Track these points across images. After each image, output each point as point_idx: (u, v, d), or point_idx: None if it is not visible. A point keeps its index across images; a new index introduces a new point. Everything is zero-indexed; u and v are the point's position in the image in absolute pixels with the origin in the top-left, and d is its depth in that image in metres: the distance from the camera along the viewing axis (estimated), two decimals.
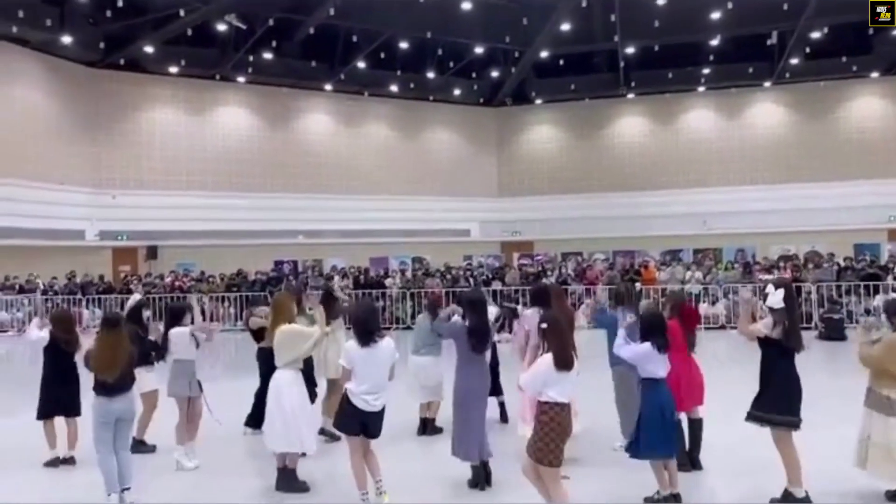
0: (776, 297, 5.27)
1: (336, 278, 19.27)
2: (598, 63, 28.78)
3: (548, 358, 4.79)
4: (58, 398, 6.86)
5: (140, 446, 6.94)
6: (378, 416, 5.39)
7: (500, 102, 30.89)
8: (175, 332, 6.75)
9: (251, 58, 25.33)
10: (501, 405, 8.01)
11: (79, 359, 6.54)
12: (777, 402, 5.25)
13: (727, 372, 9.70)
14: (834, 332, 14.46)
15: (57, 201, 22.55)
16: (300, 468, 6.01)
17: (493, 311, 7.14)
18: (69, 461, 6.81)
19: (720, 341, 14.82)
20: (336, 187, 27.79)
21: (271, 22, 23.97)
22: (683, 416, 5.99)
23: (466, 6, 23.22)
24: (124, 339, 5.79)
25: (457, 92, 29.32)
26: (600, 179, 29.57)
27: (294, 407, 5.84)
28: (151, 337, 7.27)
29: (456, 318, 6.86)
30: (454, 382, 6.06)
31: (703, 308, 16.92)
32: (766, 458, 5.47)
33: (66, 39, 22.20)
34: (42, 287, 20.87)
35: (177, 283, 20.90)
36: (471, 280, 20.00)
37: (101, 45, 23.79)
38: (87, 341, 6.42)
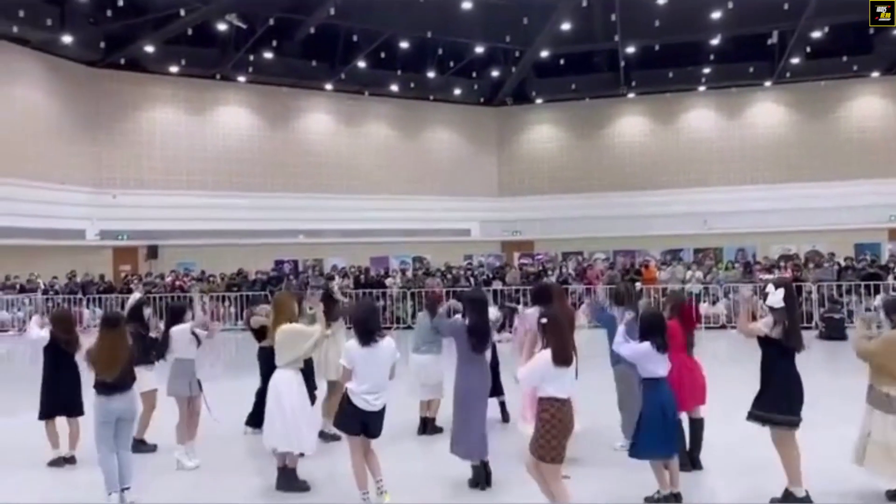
0: (776, 297, 5.27)
1: (335, 280, 19.23)
2: (598, 63, 28.76)
3: (546, 353, 4.79)
4: (59, 398, 6.85)
5: (140, 446, 6.94)
6: (378, 416, 5.39)
7: (501, 102, 30.89)
8: (176, 329, 6.75)
9: (251, 57, 25.33)
10: (502, 404, 8.01)
11: (79, 358, 6.54)
12: (778, 402, 5.25)
13: (727, 371, 9.71)
14: (834, 331, 14.45)
15: (57, 201, 22.56)
16: (300, 468, 6.01)
17: (494, 312, 7.15)
18: (70, 461, 6.81)
19: (720, 341, 14.82)
20: (336, 187, 27.79)
21: (272, 21, 23.96)
22: (684, 416, 5.98)
23: (467, 6, 23.20)
24: (124, 339, 5.80)
25: (457, 91, 29.31)
26: (601, 179, 29.57)
27: (294, 406, 5.84)
28: (153, 334, 7.27)
29: (457, 317, 6.86)
30: (454, 382, 6.06)
31: (704, 308, 16.94)
32: (767, 458, 5.47)
33: (67, 39, 22.20)
34: (43, 287, 20.88)
35: (177, 283, 20.91)
36: (471, 280, 20.01)
37: (102, 44, 23.79)
38: (87, 341, 6.42)
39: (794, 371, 5.31)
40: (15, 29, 20.64)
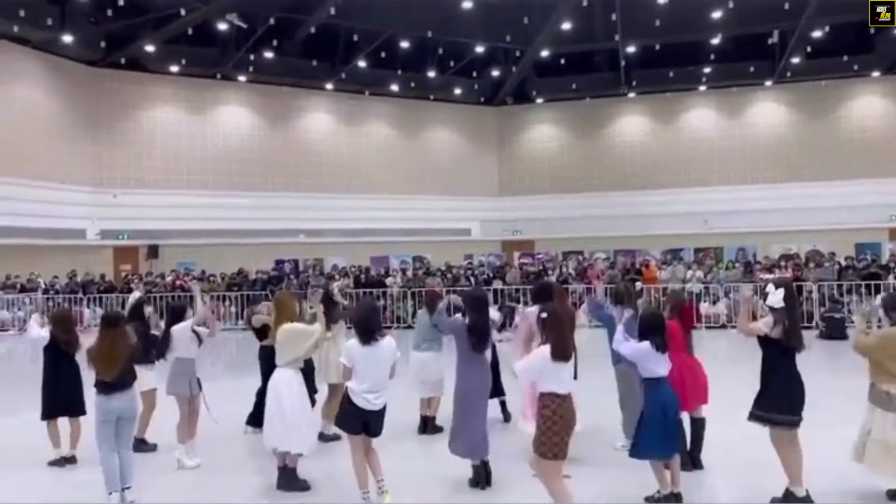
0: (776, 297, 5.27)
1: (335, 282, 19.19)
2: (598, 62, 28.76)
3: (545, 348, 4.78)
4: (61, 398, 6.84)
5: (141, 445, 6.93)
6: (379, 415, 5.40)
7: (501, 102, 30.88)
8: (177, 328, 6.75)
9: (252, 57, 25.34)
10: (503, 403, 8.01)
11: (80, 358, 6.54)
12: (778, 402, 5.24)
13: (728, 371, 9.70)
14: (835, 331, 14.45)
15: (58, 200, 22.57)
16: (301, 467, 6.01)
17: (495, 314, 7.15)
18: (71, 460, 6.81)
19: (721, 340, 14.83)
20: (337, 186, 27.79)
21: (272, 21, 23.96)
22: (685, 415, 5.97)
23: (467, 5, 23.19)
24: (123, 338, 5.80)
25: (457, 91, 29.31)
26: (601, 178, 29.56)
27: (294, 406, 5.84)
28: (154, 332, 7.27)
29: (457, 315, 6.86)
30: (455, 381, 6.06)
31: (705, 307, 16.94)
32: (767, 458, 5.46)
33: (67, 38, 22.21)
34: (43, 286, 20.90)
35: (178, 283, 20.92)
36: (471, 279, 20.01)
37: (102, 44, 23.80)
38: (87, 340, 6.42)
39: (795, 371, 5.30)
40: (15, 28, 20.65)
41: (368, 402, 5.30)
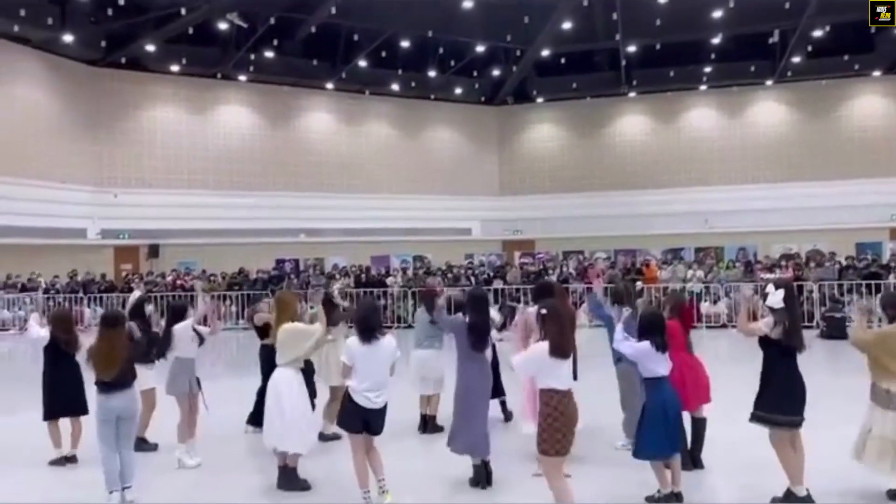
0: (776, 297, 5.26)
1: (336, 284, 19.20)
2: (599, 62, 28.77)
3: (543, 344, 4.75)
4: (61, 399, 6.83)
5: (141, 444, 6.92)
6: (380, 414, 5.39)
7: (502, 101, 30.89)
8: (178, 327, 6.74)
9: (252, 56, 25.35)
10: (503, 403, 8.01)
11: (80, 358, 6.54)
12: (779, 402, 5.23)
13: (728, 371, 9.68)
14: (836, 330, 14.42)
15: (58, 200, 22.58)
16: (301, 467, 6.01)
17: (495, 314, 7.14)
18: (71, 460, 6.81)
19: (721, 340, 14.82)
20: (337, 186, 27.80)
21: (273, 20, 23.96)
22: (686, 414, 5.97)
23: (468, 5, 23.19)
24: (123, 338, 5.80)
25: (458, 90, 29.32)
26: (602, 178, 29.56)
27: (293, 405, 5.84)
28: (155, 330, 7.26)
29: (458, 314, 6.86)
30: (455, 381, 6.06)
31: (705, 307, 16.93)
32: (768, 457, 5.46)
33: (68, 38, 22.22)
34: (44, 286, 20.92)
35: (178, 282, 20.93)
36: (472, 279, 20.01)
37: (103, 43, 23.81)
38: (88, 340, 6.42)
39: (796, 371, 5.29)
40: (16, 28, 20.67)
41: (369, 401, 5.30)
